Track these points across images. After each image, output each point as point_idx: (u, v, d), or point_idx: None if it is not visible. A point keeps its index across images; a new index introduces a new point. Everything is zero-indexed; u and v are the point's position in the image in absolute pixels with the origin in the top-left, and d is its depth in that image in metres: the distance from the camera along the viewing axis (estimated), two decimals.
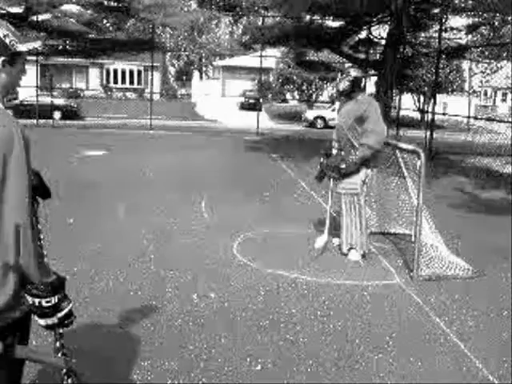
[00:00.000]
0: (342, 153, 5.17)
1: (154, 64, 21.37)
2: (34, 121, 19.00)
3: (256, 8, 19.05)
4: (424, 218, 5.06)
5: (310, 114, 28.58)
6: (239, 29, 31.88)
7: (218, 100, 40.44)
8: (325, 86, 32.85)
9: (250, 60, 33.16)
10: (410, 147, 5.04)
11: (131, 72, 42.80)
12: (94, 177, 8.90)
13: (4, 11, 18.35)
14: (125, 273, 4.58)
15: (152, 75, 21.71)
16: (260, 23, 19.85)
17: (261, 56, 19.53)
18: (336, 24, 17.60)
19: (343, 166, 5.05)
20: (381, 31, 18.46)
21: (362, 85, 5.29)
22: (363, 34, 18.64)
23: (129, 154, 11.66)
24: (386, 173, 6.13)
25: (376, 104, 5.17)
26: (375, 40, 18.45)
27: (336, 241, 5.54)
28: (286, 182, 9.11)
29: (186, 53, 46.85)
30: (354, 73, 5.18)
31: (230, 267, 4.84)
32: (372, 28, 18.05)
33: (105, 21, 22.39)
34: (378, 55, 18.43)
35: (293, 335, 3.60)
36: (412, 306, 4.15)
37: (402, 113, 18.53)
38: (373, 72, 18.42)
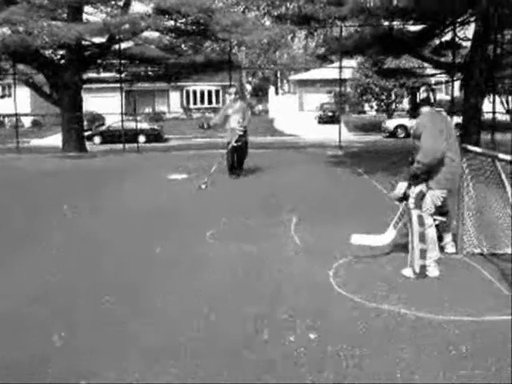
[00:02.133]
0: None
1: (232, 83, 21.39)
2: (121, 145, 19.57)
3: (332, 19, 18.62)
4: None
5: (390, 124, 27.70)
6: (313, 42, 31.53)
7: (296, 114, 40.22)
8: (405, 93, 31.78)
9: (325, 72, 32.76)
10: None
11: (209, 92, 43.60)
12: (176, 203, 8.84)
13: (89, 42, 19.08)
14: (217, 311, 4.31)
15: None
16: (336, 34, 19.41)
17: (340, 67, 19.02)
18: (417, 28, 16.87)
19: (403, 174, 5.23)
20: (466, 32, 17.51)
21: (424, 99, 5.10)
22: (446, 37, 17.77)
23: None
24: (484, 184, 5.48)
25: (427, 118, 5.02)
26: (460, 42, 17.53)
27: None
28: (376, 199, 8.58)
29: (262, 70, 47.16)
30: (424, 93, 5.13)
31: (329, 301, 4.42)
32: (457, 29, 17.16)
33: (183, 45, 22.80)
34: (464, 58, 17.50)
35: None
36: None
37: (489, 116, 17.50)
38: (459, 75, 17.49)
